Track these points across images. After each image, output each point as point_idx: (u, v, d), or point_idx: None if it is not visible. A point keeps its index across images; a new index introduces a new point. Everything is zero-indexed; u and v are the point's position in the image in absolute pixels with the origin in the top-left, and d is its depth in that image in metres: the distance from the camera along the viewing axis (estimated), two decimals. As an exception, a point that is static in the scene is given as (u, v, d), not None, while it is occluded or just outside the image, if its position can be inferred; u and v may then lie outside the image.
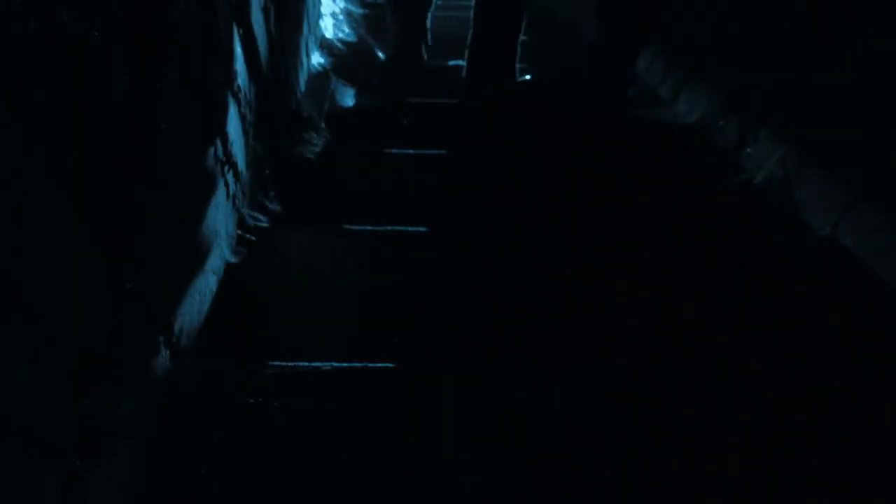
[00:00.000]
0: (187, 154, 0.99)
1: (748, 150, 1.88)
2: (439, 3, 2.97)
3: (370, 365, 1.11)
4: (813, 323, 1.40)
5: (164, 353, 0.95)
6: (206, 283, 1.15)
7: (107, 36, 0.70)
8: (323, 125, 2.05)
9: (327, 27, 3.00)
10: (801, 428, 1.09)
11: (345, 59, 2.80)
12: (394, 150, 1.89)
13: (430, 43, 2.87)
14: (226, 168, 1.24)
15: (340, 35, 3.01)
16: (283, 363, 1.10)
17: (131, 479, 0.84)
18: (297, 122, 2.06)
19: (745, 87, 1.93)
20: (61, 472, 0.64)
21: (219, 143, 1.16)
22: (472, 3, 2.57)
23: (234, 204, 1.34)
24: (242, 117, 1.35)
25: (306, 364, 1.08)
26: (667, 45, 2.51)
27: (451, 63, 2.81)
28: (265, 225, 1.48)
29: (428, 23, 2.83)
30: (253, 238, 1.38)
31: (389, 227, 1.52)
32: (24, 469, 0.58)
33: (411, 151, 1.89)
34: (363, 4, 3.29)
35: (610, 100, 2.47)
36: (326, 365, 1.09)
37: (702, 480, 0.97)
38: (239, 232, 1.38)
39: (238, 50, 1.28)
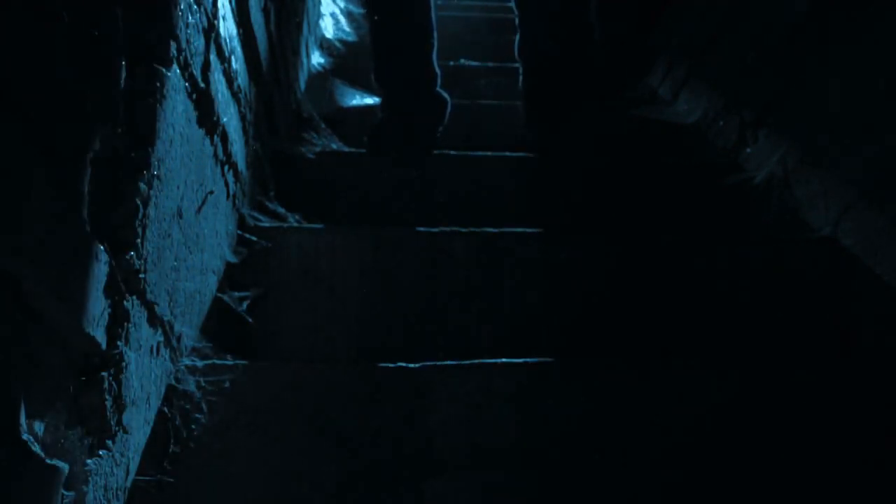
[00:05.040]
0: (186, 153, 0.99)
1: (748, 150, 1.88)
2: (440, 2, 2.94)
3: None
4: (813, 323, 1.41)
5: (164, 353, 0.95)
6: (206, 283, 1.15)
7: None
8: (323, 125, 2.05)
9: (327, 27, 3.00)
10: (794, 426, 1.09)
11: (345, 59, 2.80)
12: (394, 150, 1.90)
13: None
14: (226, 168, 1.24)
15: (340, 35, 3.01)
16: (283, 363, 1.10)
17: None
18: (297, 122, 2.06)
19: (745, 87, 1.93)
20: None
21: (219, 142, 1.16)
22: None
23: (234, 204, 1.34)
24: (242, 117, 1.35)
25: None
26: (667, 45, 2.51)
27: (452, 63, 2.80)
28: (265, 225, 1.48)
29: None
30: (253, 238, 1.38)
31: (390, 228, 1.52)
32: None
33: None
34: (363, 4, 3.29)
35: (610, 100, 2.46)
36: (325, 366, 1.09)
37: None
38: (239, 232, 1.38)
39: (238, 50, 1.28)
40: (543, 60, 1.92)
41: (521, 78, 1.99)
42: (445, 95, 1.93)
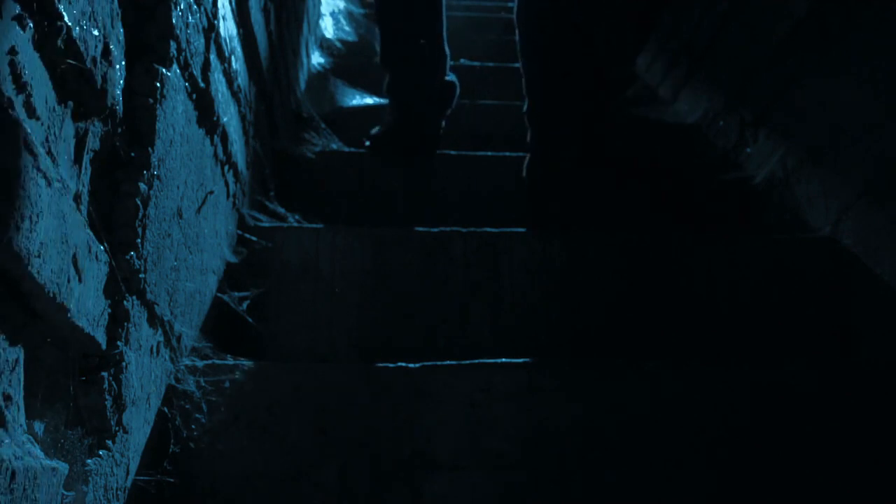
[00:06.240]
0: (186, 153, 0.99)
1: (748, 149, 1.88)
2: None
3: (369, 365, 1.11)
4: (813, 322, 1.41)
5: (164, 353, 0.95)
6: (206, 283, 1.15)
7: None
8: (323, 125, 2.05)
9: (327, 27, 3.00)
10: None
11: (345, 59, 2.80)
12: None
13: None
14: (226, 168, 1.24)
15: (340, 35, 3.01)
16: (283, 363, 1.10)
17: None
18: (297, 122, 2.06)
19: (745, 87, 1.93)
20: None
21: (219, 143, 1.16)
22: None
23: (234, 204, 1.34)
24: (242, 117, 1.35)
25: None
26: (667, 45, 2.51)
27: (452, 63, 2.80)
28: (265, 225, 1.48)
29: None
30: (253, 238, 1.38)
31: (390, 228, 1.52)
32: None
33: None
34: (363, 4, 3.29)
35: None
36: (326, 366, 1.09)
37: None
38: (239, 232, 1.38)
39: (238, 50, 1.28)
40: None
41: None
42: (453, 79, 1.83)
